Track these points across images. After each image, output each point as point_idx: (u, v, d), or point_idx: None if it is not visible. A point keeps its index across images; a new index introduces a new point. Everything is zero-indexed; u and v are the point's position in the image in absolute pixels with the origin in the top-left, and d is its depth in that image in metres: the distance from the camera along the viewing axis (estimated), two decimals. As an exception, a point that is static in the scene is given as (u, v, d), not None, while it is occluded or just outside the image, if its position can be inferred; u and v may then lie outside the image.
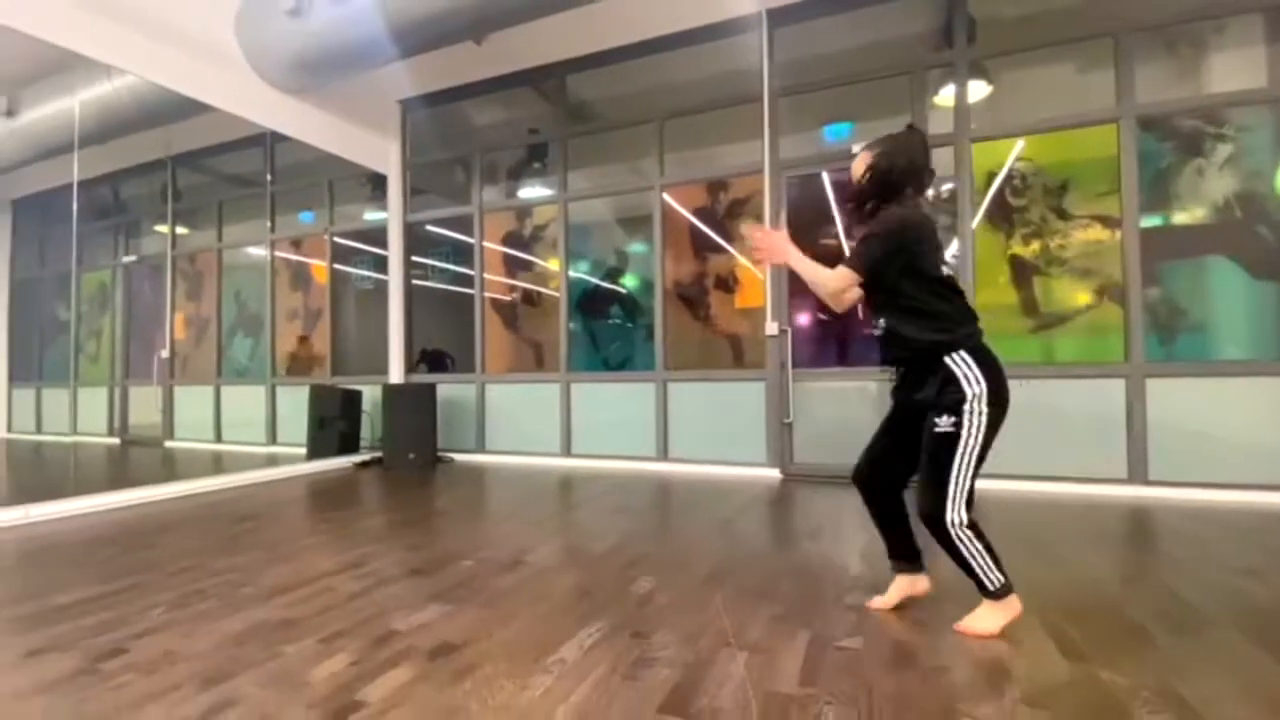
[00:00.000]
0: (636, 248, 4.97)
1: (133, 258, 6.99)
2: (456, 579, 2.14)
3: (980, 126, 3.76)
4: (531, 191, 5.28)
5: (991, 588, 1.57)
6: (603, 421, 4.68)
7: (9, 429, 7.58)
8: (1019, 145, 3.68)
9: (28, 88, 4.96)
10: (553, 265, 5.00)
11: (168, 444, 6.41)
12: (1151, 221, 3.44)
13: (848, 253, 1.65)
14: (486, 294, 5.24)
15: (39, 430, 7.51)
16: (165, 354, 6.52)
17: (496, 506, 3.43)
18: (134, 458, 6.10)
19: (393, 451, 4.84)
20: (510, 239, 5.26)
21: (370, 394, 5.35)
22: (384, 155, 5.46)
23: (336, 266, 5.83)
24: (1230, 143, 3.36)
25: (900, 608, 1.77)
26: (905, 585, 1.75)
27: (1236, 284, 3.37)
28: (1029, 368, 3.60)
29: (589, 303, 5.01)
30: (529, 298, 5.22)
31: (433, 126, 5.52)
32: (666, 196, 4.58)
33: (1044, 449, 3.53)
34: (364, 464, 4.92)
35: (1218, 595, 1.89)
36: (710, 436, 4.29)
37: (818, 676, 1.40)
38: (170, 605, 1.90)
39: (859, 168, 1.71)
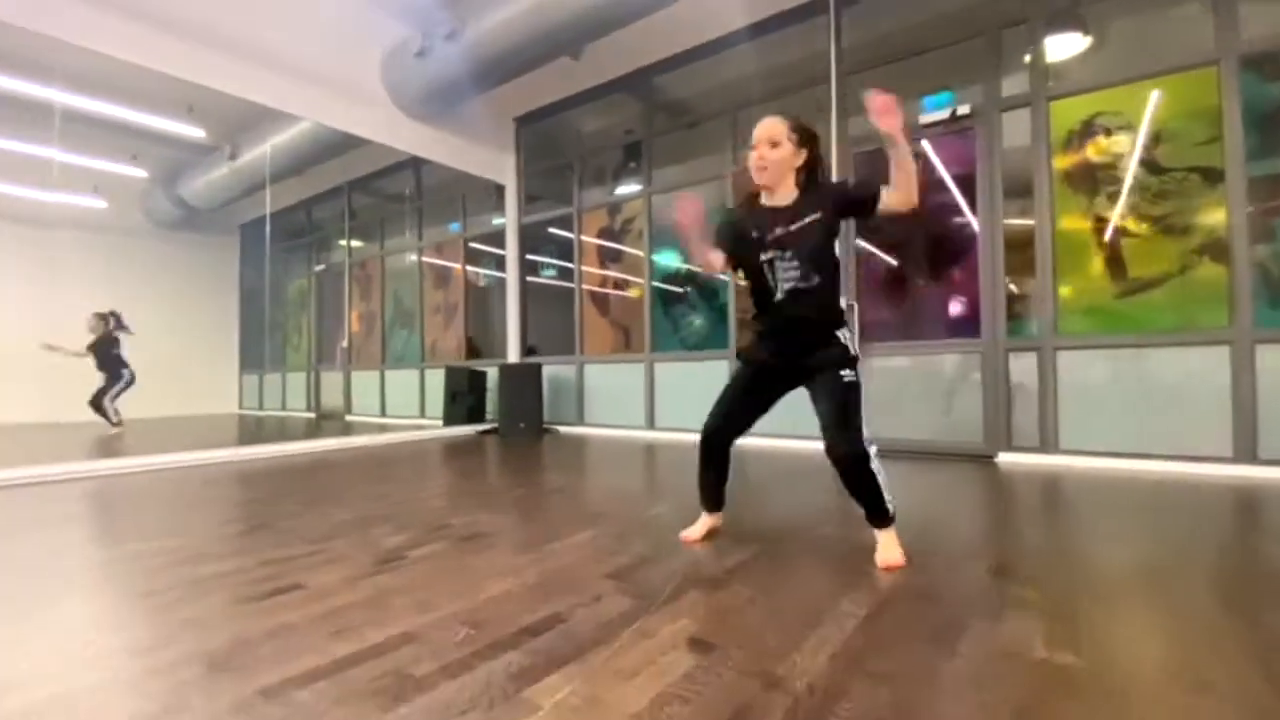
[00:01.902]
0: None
1: (321, 267, 8.62)
2: (511, 499, 2.66)
3: (1060, 84, 3.56)
4: (626, 190, 5.77)
5: (890, 513, 1.76)
6: (681, 397, 5.04)
7: (240, 406, 9.65)
8: (1152, 98, 3.39)
9: (241, 134, 6.41)
10: (634, 261, 5.45)
11: (348, 418, 7.83)
12: (1260, 170, 3.06)
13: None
14: (585, 285, 5.83)
15: (260, 407, 9.48)
16: (345, 344, 7.98)
17: (572, 461, 3.95)
18: (323, 426, 7.53)
19: (506, 421, 5.59)
20: (603, 234, 5.79)
21: (494, 374, 6.19)
22: (502, 168, 6.27)
23: (469, 267, 6.79)
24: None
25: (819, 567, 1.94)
26: (714, 521, 2.02)
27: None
28: (1118, 337, 3.37)
29: (669, 290, 5.39)
30: (619, 286, 5.71)
31: (542, 138, 6.23)
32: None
33: (1137, 425, 3.29)
34: (485, 432, 5.74)
35: None
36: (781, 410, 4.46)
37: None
38: (304, 503, 2.62)
39: (785, 133, 1.78)
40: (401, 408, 7.35)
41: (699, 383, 4.91)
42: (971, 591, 1.53)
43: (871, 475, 1.73)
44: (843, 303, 1.88)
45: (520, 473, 3.54)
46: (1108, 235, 3.44)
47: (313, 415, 8.34)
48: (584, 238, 5.85)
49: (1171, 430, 3.22)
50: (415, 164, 7.00)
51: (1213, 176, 3.15)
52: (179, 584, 1.64)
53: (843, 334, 1.81)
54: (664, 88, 5.37)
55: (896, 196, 1.67)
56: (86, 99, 5.40)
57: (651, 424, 5.20)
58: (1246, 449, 3.04)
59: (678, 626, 1.32)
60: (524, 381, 5.65)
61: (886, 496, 1.75)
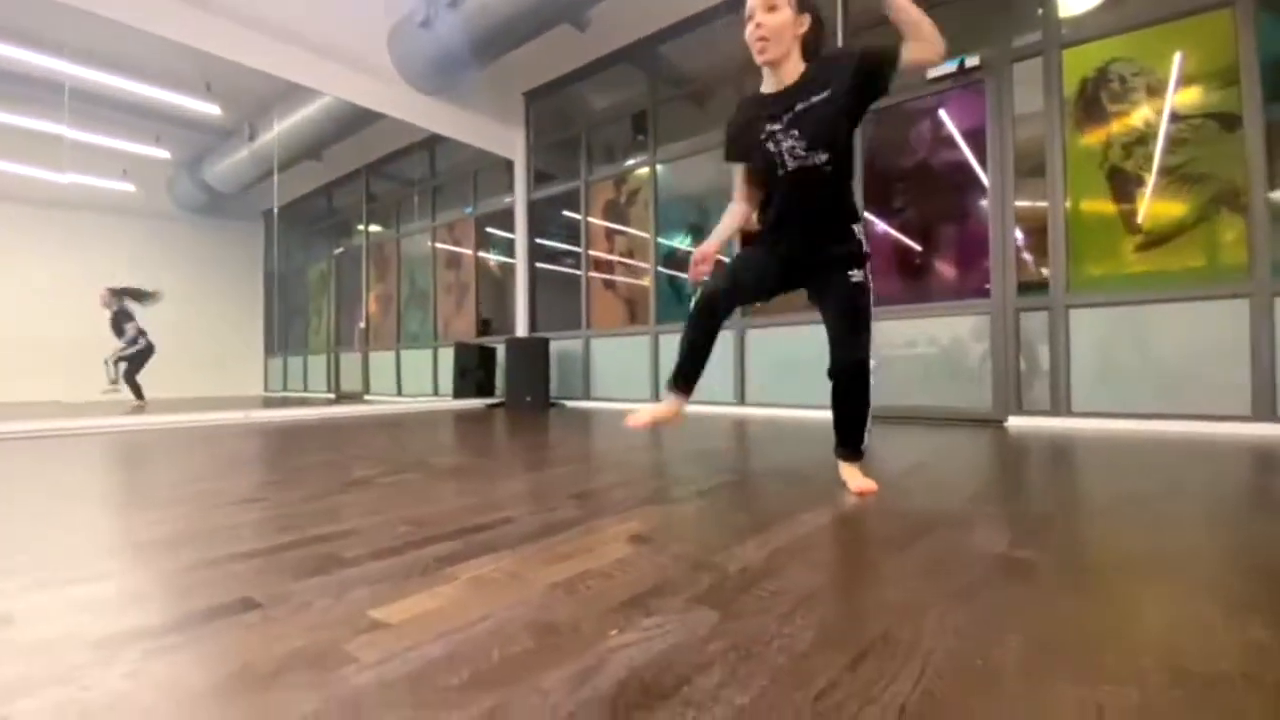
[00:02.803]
0: (715, 207, 5.18)
1: (341, 250, 8.78)
2: (500, 446, 2.66)
3: (1072, 30, 3.42)
4: (625, 160, 5.74)
5: (864, 445, 1.69)
6: (689, 368, 4.99)
7: (265, 388, 9.89)
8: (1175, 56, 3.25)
9: (260, 116, 6.55)
10: (644, 231, 5.42)
11: (366, 398, 7.97)
12: (1278, 114, 2.90)
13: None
14: (590, 260, 5.82)
15: (284, 389, 9.70)
16: (362, 325, 8.12)
17: (573, 427, 3.94)
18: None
19: (513, 395, 5.62)
20: (609, 207, 5.77)
21: (503, 350, 6.22)
22: (512, 143, 6.29)
23: (480, 246, 6.84)
24: None
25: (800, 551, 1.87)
26: (677, 405, 1.76)
27: None
28: (1131, 293, 3.23)
29: (674, 261, 5.34)
30: (624, 258, 5.68)
31: (552, 112, 6.23)
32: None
33: (1154, 385, 3.15)
34: (493, 405, 5.78)
35: None
36: (785, 380, 4.40)
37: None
38: (297, 454, 2.66)
39: (788, 3, 1.59)
40: (416, 386, 7.45)
41: (703, 353, 4.86)
42: (944, 509, 1.47)
43: (866, 389, 1.63)
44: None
45: (517, 434, 3.54)
46: (1122, 187, 3.29)
47: (333, 396, 8.51)
48: (591, 218, 5.83)
49: (1189, 389, 3.07)
50: (429, 146, 7.08)
51: (1230, 122, 2.99)
52: (178, 501, 1.67)
53: (857, 228, 1.66)
54: (669, 56, 5.32)
55: (917, 47, 1.44)
56: (103, 74, 5.56)
57: (656, 396, 5.17)
58: (1266, 406, 2.88)
59: (624, 528, 1.30)
60: (531, 356, 5.66)
61: (868, 424, 1.67)
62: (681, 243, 5.35)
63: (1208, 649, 0.74)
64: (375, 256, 8.15)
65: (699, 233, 5.19)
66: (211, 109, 6.35)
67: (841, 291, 1.64)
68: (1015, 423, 3.52)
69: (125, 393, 6.14)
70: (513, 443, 2.97)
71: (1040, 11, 3.52)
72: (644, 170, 5.41)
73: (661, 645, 0.75)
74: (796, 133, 1.58)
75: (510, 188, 6.46)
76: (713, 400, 4.78)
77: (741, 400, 4.65)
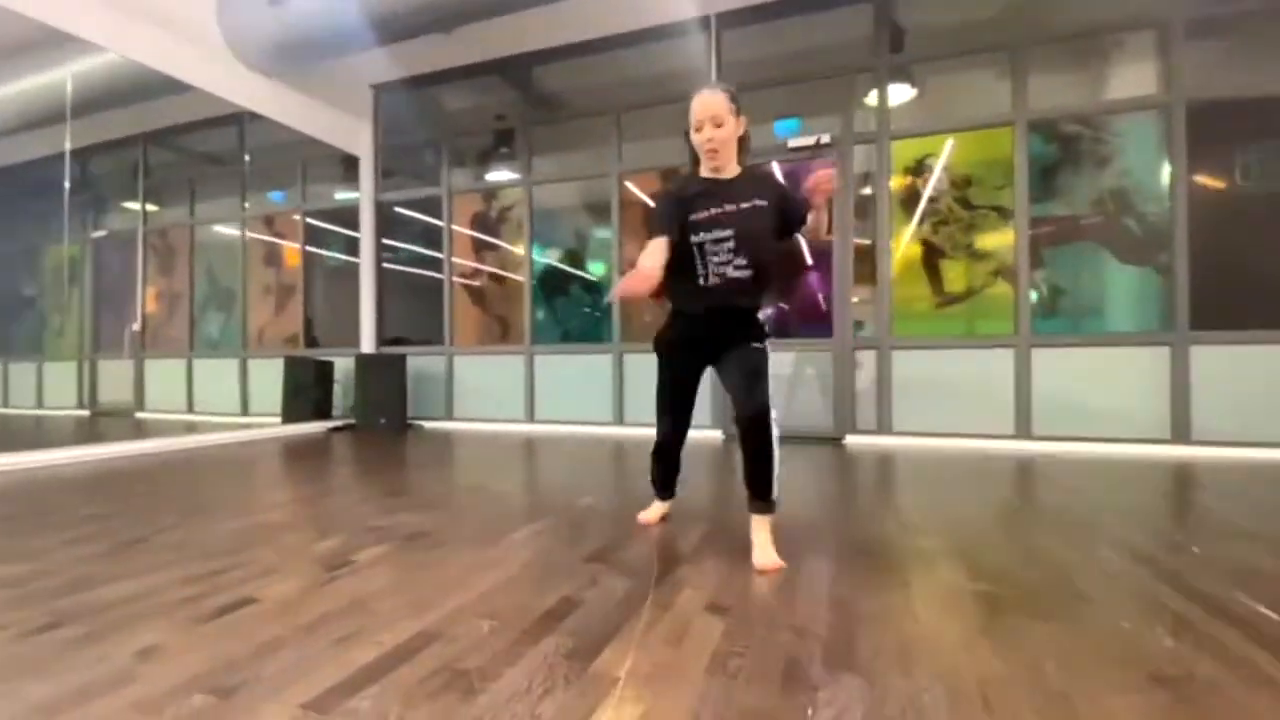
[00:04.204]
0: (597, 230, 5.34)
1: (102, 233, 7.09)
2: (428, 498, 2.52)
3: (900, 126, 4.24)
4: (499, 176, 5.60)
5: (775, 494, 1.69)
6: (563, 390, 5.07)
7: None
8: (949, 144, 4.14)
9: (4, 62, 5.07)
10: (517, 248, 5.35)
11: (139, 415, 6.56)
12: (1038, 212, 3.96)
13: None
14: (455, 272, 5.56)
15: (4, 404, 7.56)
16: (136, 327, 6.66)
17: (462, 457, 3.80)
18: (105, 425, 6.24)
19: (365, 417, 5.15)
20: (478, 220, 5.58)
21: (342, 365, 5.63)
22: (356, 137, 5.72)
23: (309, 243, 6.07)
24: (1104, 146, 3.91)
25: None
26: (666, 508, 2.10)
27: (1107, 268, 3.93)
28: (936, 339, 4.12)
29: (551, 281, 5.38)
30: (495, 275, 5.55)
31: (404, 111, 5.79)
32: (628, 184, 4.97)
33: (945, 410, 4.05)
34: (337, 429, 5.21)
35: (1089, 525, 2.38)
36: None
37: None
38: (170, 513, 2.24)
39: (726, 108, 1.73)
40: (215, 403, 6.35)
41: (583, 376, 4.98)
42: (812, 507, 1.84)
43: (770, 437, 1.66)
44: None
45: (417, 470, 3.32)
46: (930, 257, 4.18)
47: (86, 412, 6.85)
48: (456, 228, 5.57)
49: (973, 414, 4.03)
50: (238, 121, 6.08)
51: (1006, 214, 3.99)
52: (84, 613, 1.34)
53: (762, 315, 1.82)
54: (544, 78, 5.32)
55: (814, 220, 1.81)
56: None
57: (531, 417, 5.15)
58: (1025, 428, 3.92)
59: (685, 595, 1.42)
60: (385, 373, 5.24)
61: (776, 471, 1.68)
62: (560, 262, 5.39)
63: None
64: (158, 245, 6.74)
65: (578, 254, 5.28)
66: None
67: (744, 353, 1.75)
68: (851, 440, 4.26)
69: None
70: (429, 486, 2.80)
71: (874, 103, 4.30)
72: (517, 190, 5.33)
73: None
74: (730, 237, 1.69)
75: (344, 179, 5.85)
76: (592, 420, 4.92)
77: (620, 421, 4.87)
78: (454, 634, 1.22)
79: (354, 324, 5.84)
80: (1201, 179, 3.72)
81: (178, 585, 1.51)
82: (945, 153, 4.14)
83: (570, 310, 5.32)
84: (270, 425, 5.10)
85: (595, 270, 5.29)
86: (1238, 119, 3.64)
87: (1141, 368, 3.76)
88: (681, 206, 1.73)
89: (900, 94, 4.30)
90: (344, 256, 6.11)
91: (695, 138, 1.76)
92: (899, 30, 4.28)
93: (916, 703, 0.97)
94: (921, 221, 4.20)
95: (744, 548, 1.75)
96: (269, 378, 5.82)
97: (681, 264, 1.72)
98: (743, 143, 1.81)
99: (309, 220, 6.04)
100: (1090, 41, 3.97)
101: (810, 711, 0.95)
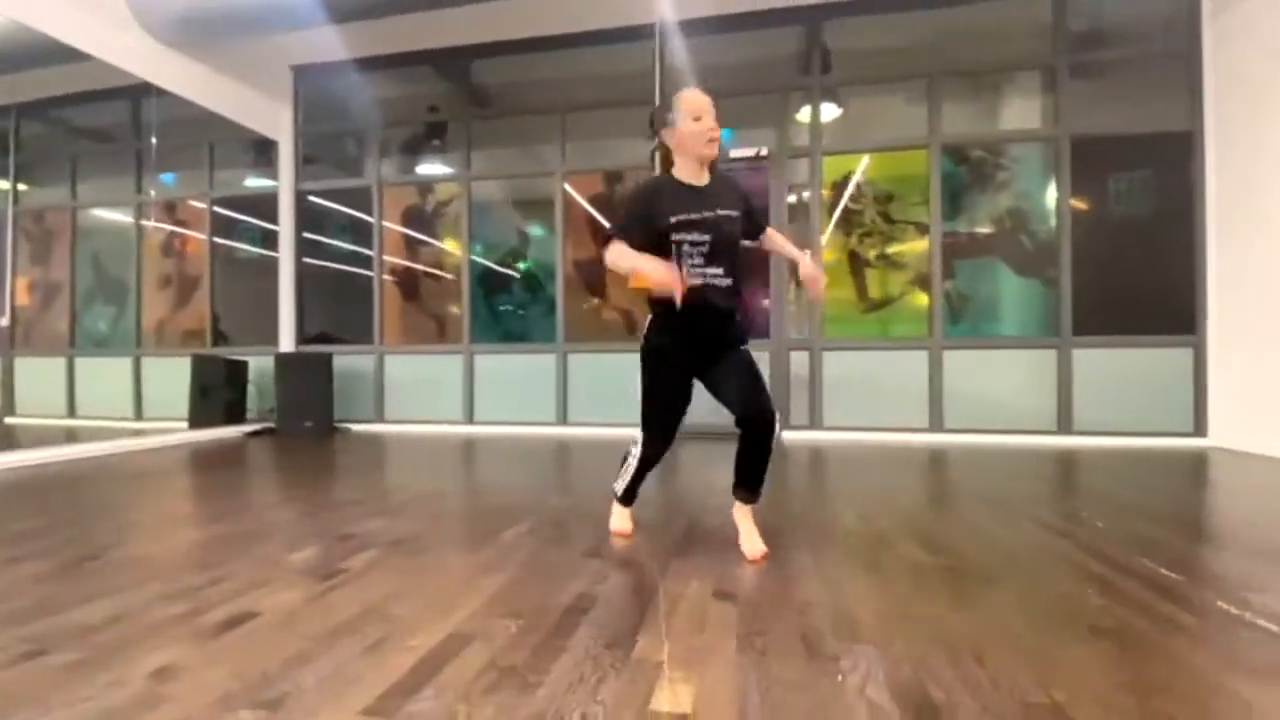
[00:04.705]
0: (538, 229, 5.32)
1: (-45, 212, 6.19)
2: (393, 503, 2.46)
3: (830, 143, 4.55)
4: (432, 169, 5.45)
5: (765, 484, 1.82)
6: (505, 390, 5.02)
7: None
8: (864, 161, 4.50)
9: None
10: (449, 245, 5.23)
11: (7, 420, 5.81)
12: (949, 228, 4.39)
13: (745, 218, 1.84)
14: (386, 268, 5.35)
15: None
16: (4, 322, 5.88)
17: (410, 461, 3.70)
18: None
19: (287, 420, 4.86)
20: (411, 214, 5.40)
21: (257, 364, 5.27)
22: (275, 120, 5.36)
23: (217, 233, 5.62)
24: (1005, 170, 4.39)
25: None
26: (632, 512, 2.05)
27: (1005, 280, 4.42)
28: (861, 341, 4.47)
29: (492, 278, 5.30)
30: (430, 273, 5.39)
31: (329, 95, 5.49)
32: (567, 186, 4.99)
33: (869, 406, 4.41)
34: (255, 433, 4.88)
35: (1006, 504, 2.68)
36: (607, 401, 4.77)
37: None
38: (108, 528, 2.07)
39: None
40: (102, 406, 5.75)
41: (525, 375, 4.95)
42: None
43: (773, 437, 1.77)
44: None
45: (364, 475, 3.21)
46: (856, 266, 4.52)
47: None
48: (387, 223, 5.35)
49: (893, 410, 4.40)
50: (134, 96, 5.52)
51: (922, 229, 4.39)
52: (66, 638, 1.25)
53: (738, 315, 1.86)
54: (484, 71, 5.23)
55: (777, 243, 1.93)
56: None
57: (471, 418, 5.05)
58: (938, 422, 4.33)
59: (693, 586, 1.52)
60: (309, 373, 4.97)
61: (771, 458, 1.80)
62: (501, 260, 5.31)
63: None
64: (32, 229, 5.98)
65: (519, 252, 5.24)
66: None
67: (741, 358, 1.79)
68: (787, 435, 4.52)
69: None
70: (390, 491, 2.73)
71: (807, 120, 4.58)
72: (454, 185, 5.21)
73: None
74: (707, 242, 1.72)
75: (257, 165, 5.48)
76: (535, 420, 4.91)
77: (564, 421, 4.89)
78: (485, 634, 1.25)
79: (269, 320, 5.48)
80: (1080, 203, 4.27)
81: (160, 603, 1.43)
82: (860, 170, 4.50)
83: (512, 308, 5.27)
84: (176, 430, 4.69)
85: (536, 268, 5.26)
86: (1111, 152, 4.21)
87: (1032, 368, 4.27)
88: (656, 207, 1.72)
89: (830, 112, 4.61)
90: (259, 250, 5.70)
91: (695, 127, 1.72)
92: (827, 52, 4.59)
93: (925, 663, 1.12)
94: (848, 232, 4.53)
95: (723, 539, 1.88)
96: (169, 378, 5.34)
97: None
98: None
99: (216, 209, 5.59)
100: (992, 77, 4.44)
101: (841, 678, 1.07)
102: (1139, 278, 4.20)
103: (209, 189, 5.57)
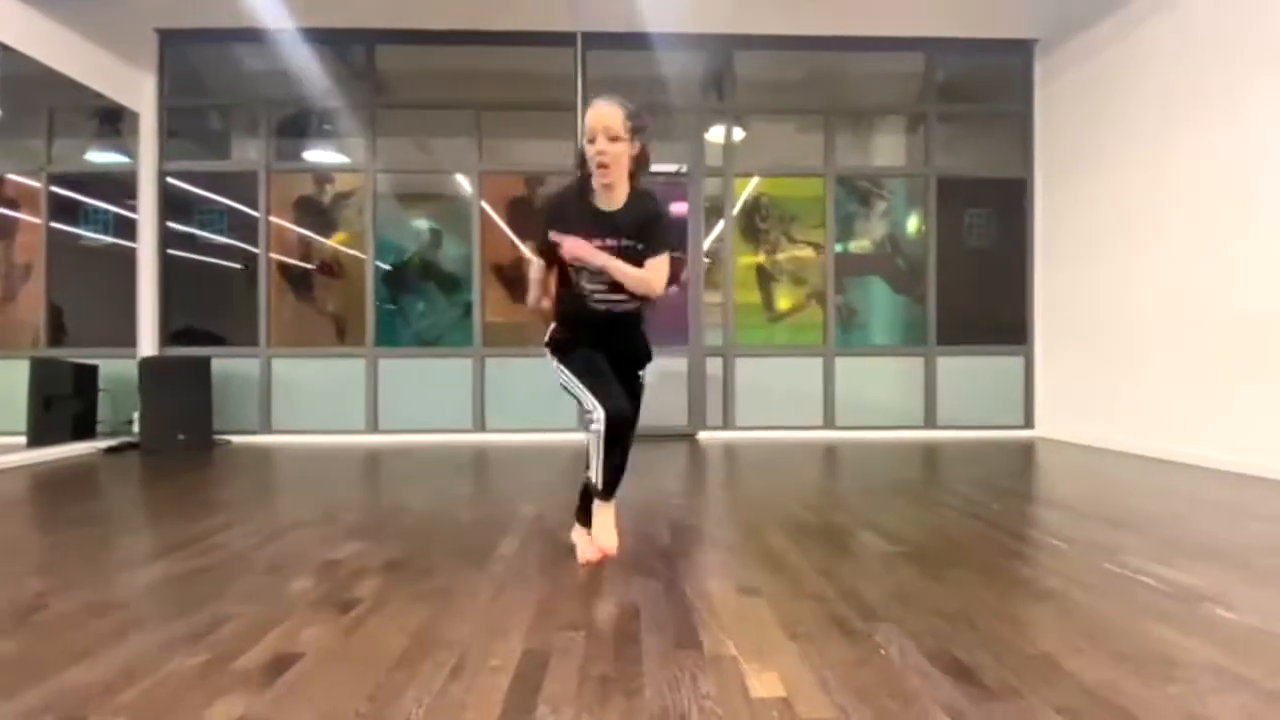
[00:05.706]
0: (450, 227, 5.13)
1: None
2: (350, 525, 2.34)
3: (742, 165, 4.91)
4: (328, 157, 5.05)
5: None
6: (414, 396, 4.80)
7: None
8: (753, 181, 4.91)
9: None
10: (341, 240, 4.90)
11: None
12: (840, 249, 4.95)
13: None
14: (274, 262, 4.87)
15: None
16: None
17: (327, 476, 3.46)
18: None
19: (156, 434, 4.27)
20: (304, 204, 4.97)
21: (111, 369, 4.56)
22: (134, 89, 4.65)
23: (58, 217, 4.75)
24: (884, 200, 5.04)
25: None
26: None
27: (884, 296, 5.07)
28: (765, 348, 4.89)
29: (400, 278, 5.04)
30: (327, 268, 5.00)
31: (203, 67, 4.88)
32: (470, 186, 4.89)
33: (770, 407, 4.83)
34: (115, 449, 4.23)
35: (877, 489, 3.09)
36: (529, 406, 4.72)
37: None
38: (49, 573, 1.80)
39: (623, 125, 1.65)
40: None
41: (439, 381, 4.77)
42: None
43: (629, 443, 1.84)
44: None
45: (292, 495, 2.97)
46: (764, 280, 4.94)
47: None
48: (275, 218, 4.87)
49: (793, 410, 4.87)
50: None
51: (820, 249, 4.90)
52: (81, 702, 1.11)
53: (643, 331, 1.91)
54: (390, 57, 4.94)
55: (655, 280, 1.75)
56: None
57: (375, 427, 4.77)
58: (830, 420, 4.86)
59: (714, 584, 1.68)
60: (182, 380, 4.41)
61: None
62: (411, 258, 5.04)
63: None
64: None
65: (430, 251, 5.03)
66: None
67: (631, 385, 1.90)
68: (702, 435, 4.82)
69: None
70: (340, 512, 2.56)
71: (721, 141, 4.91)
72: (357, 175, 4.88)
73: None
74: (605, 276, 1.70)
75: (102, 136, 4.74)
76: (449, 428, 4.75)
77: (482, 428, 4.79)
78: (558, 648, 1.31)
79: (125, 319, 4.74)
80: (944, 233, 5.01)
81: (167, 653, 1.30)
82: (749, 189, 4.92)
83: (424, 310, 5.04)
84: (12, 449, 3.94)
85: (450, 267, 5.06)
86: (966, 190, 4.99)
87: (904, 373, 4.94)
88: (556, 227, 1.69)
89: (739, 135, 4.97)
90: (111, 239, 4.91)
91: (587, 148, 1.66)
92: (734, 79, 4.93)
93: (940, 635, 1.37)
94: (756, 249, 4.94)
95: (714, 540, 2.06)
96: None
97: (565, 276, 1.77)
98: (639, 162, 1.74)
99: (54, 189, 4.73)
100: (876, 117, 5.07)
101: (883, 651, 1.29)
102: (985, 297, 5.04)
103: (47, 164, 4.70)
